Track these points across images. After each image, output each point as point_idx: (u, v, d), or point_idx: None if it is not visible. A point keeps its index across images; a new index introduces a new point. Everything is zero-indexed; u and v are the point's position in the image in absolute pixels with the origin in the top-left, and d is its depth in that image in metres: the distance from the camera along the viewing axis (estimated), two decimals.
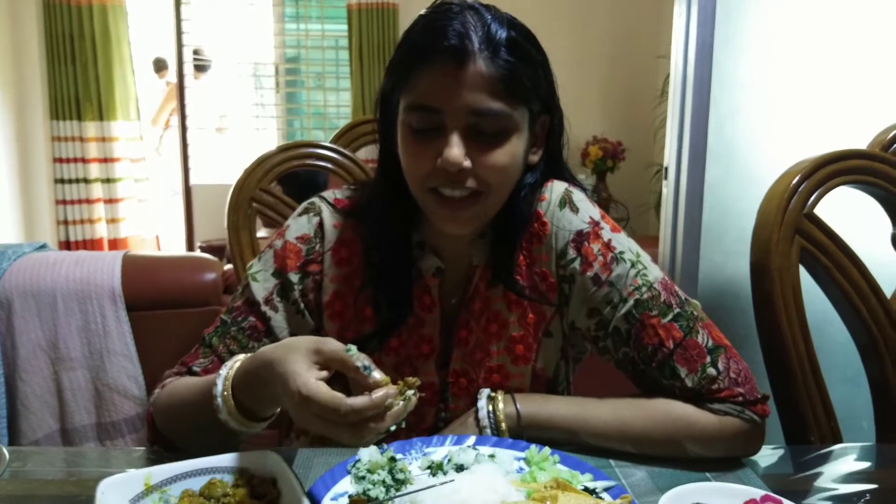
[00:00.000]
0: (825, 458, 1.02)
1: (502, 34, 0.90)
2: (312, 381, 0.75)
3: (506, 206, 0.98)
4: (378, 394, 0.74)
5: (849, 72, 1.85)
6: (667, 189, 2.03)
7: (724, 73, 1.86)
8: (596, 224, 1.01)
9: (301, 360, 0.77)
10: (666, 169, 2.04)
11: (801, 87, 1.87)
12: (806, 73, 1.87)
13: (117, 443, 1.99)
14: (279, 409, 0.88)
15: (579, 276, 0.99)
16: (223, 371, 0.86)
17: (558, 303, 1.02)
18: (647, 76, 4.61)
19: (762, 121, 1.89)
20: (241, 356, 0.87)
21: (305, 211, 1.05)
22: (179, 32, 4.59)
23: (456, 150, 0.89)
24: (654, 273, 0.99)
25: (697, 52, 1.84)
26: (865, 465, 1.03)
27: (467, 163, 0.90)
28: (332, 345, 0.78)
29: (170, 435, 0.96)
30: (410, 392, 0.77)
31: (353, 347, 0.78)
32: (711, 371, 0.93)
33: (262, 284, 1.01)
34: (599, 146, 4.47)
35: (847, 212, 1.24)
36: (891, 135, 1.19)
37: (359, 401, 0.73)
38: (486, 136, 0.90)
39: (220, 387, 0.84)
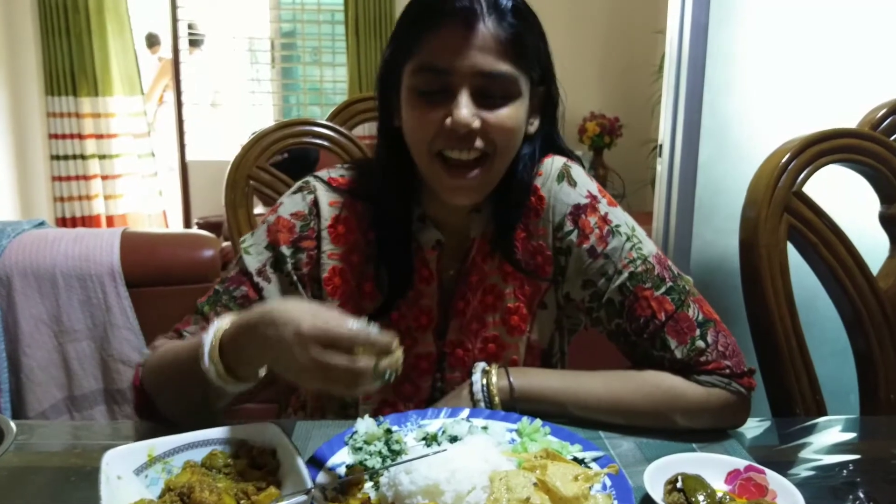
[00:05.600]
0: (810, 430, 1.05)
1: (508, 0, 0.91)
2: (314, 318, 0.73)
3: (503, 179, 1.00)
4: (357, 327, 0.72)
5: (841, 51, 1.85)
6: (661, 166, 2.04)
7: (719, 51, 1.86)
8: (593, 198, 1.03)
9: (306, 308, 0.76)
10: (660, 146, 2.05)
11: (794, 66, 1.87)
12: (799, 53, 1.87)
13: (125, 408, 2.01)
14: (261, 380, 0.86)
15: (576, 247, 1.01)
16: (215, 323, 0.85)
17: (553, 276, 1.04)
18: (644, 52, 4.58)
19: (755, 100, 1.90)
20: (233, 314, 0.86)
21: (300, 189, 1.07)
22: (174, 7, 4.55)
23: (465, 110, 0.90)
24: (649, 247, 1.01)
25: (692, 31, 1.84)
26: (849, 436, 1.06)
27: (476, 122, 0.91)
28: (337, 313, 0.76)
29: (155, 395, 0.96)
30: (397, 350, 0.74)
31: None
32: (700, 344, 0.96)
33: (254, 257, 1.03)
34: (597, 122, 4.45)
35: (836, 190, 1.25)
36: (880, 114, 1.20)
37: (364, 334, 0.72)
38: (492, 98, 0.92)
39: (209, 340, 0.83)
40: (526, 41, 0.93)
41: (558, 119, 1.06)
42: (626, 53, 4.73)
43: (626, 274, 0.99)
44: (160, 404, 0.96)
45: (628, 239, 1.00)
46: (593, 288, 1.02)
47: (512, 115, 0.93)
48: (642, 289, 0.98)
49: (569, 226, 1.02)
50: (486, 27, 0.90)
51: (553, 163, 1.04)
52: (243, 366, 0.83)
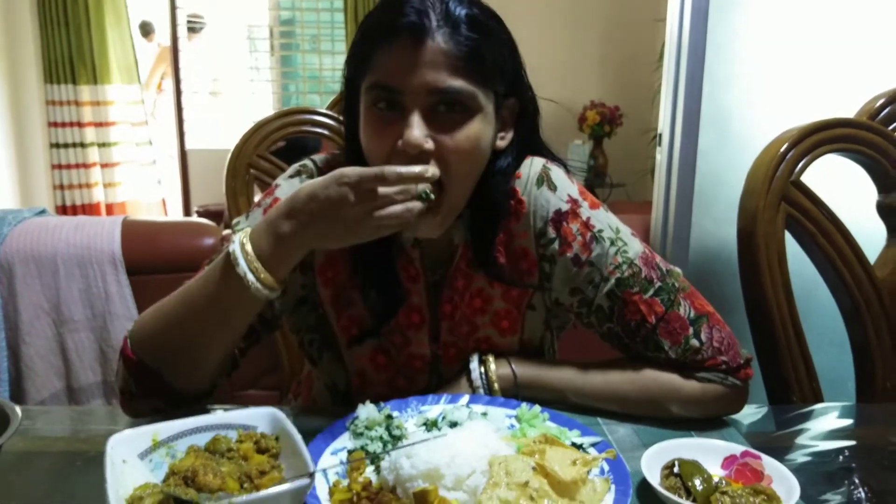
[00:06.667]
0: (806, 417, 1.06)
1: (462, 11, 0.87)
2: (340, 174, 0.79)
3: (481, 190, 0.97)
4: (414, 167, 0.79)
5: (840, 41, 1.85)
6: (661, 155, 2.04)
7: (719, 40, 1.86)
8: (574, 202, 1.00)
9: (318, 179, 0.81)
10: (660, 135, 2.05)
11: (793, 55, 1.88)
12: (799, 42, 1.87)
13: None
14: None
15: (559, 256, 0.99)
16: (234, 240, 0.85)
17: (539, 282, 1.03)
18: (645, 40, 4.57)
19: (755, 88, 1.90)
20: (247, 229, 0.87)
21: (297, 172, 1.04)
22: None
23: (416, 130, 0.85)
24: (635, 249, 0.99)
25: (693, 19, 1.84)
26: (845, 423, 1.07)
27: (429, 144, 0.87)
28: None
29: (155, 355, 0.91)
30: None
31: None
32: (694, 343, 0.96)
33: None
34: (597, 111, 4.44)
35: (834, 179, 1.26)
36: (878, 103, 1.21)
37: (402, 168, 0.79)
38: (447, 116, 0.87)
39: (236, 245, 0.84)
40: (483, 54, 0.87)
41: (539, 125, 1.03)
42: (626, 42, 4.71)
43: (612, 280, 0.97)
44: (163, 366, 0.91)
45: (612, 243, 0.98)
46: (581, 295, 1.00)
47: (469, 135, 0.88)
48: (630, 294, 0.97)
49: (551, 233, 0.99)
50: (438, 42, 0.85)
51: (532, 165, 1.01)
52: (283, 259, 0.84)
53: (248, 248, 0.84)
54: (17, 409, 0.76)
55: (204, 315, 0.89)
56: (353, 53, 0.93)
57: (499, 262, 1.01)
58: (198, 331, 0.90)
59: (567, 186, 1.01)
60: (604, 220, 1.00)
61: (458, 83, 0.86)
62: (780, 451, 0.89)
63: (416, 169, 0.80)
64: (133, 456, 0.74)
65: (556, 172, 1.02)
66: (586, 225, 0.99)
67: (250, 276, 0.83)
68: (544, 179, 1.00)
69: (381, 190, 0.78)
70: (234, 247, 0.84)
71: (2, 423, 0.74)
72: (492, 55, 0.89)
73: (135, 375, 0.92)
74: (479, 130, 0.90)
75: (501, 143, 0.98)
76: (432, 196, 0.81)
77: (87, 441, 0.91)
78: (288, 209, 0.83)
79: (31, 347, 1.97)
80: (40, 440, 0.92)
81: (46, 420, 0.99)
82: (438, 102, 0.87)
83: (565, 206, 0.99)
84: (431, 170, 0.81)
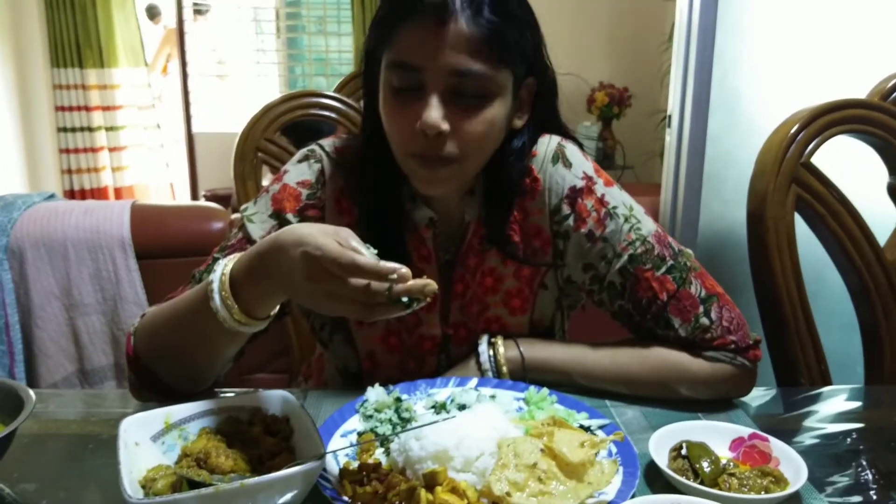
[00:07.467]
0: (814, 399, 1.06)
1: None
2: (322, 238, 0.73)
3: (495, 168, 0.97)
4: (388, 264, 0.72)
5: (852, 22, 1.83)
6: (670, 137, 2.03)
7: (729, 20, 1.84)
8: (589, 179, 1.00)
9: (315, 229, 0.75)
10: (669, 117, 2.04)
11: (804, 36, 1.85)
12: (810, 22, 1.85)
13: None
14: (275, 316, 0.86)
15: (573, 232, 1.00)
16: (217, 267, 0.82)
17: (552, 259, 1.03)
18: (654, 20, 4.52)
19: (765, 70, 1.88)
20: (237, 254, 0.84)
21: (306, 157, 1.04)
22: None
23: (434, 112, 0.86)
24: (648, 226, 1.00)
25: (703, 0, 1.82)
26: (853, 405, 1.07)
27: (445, 126, 0.87)
28: (348, 233, 0.75)
29: (152, 361, 0.92)
30: (426, 282, 0.74)
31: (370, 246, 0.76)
32: (704, 321, 0.96)
33: (258, 225, 1.00)
34: (606, 92, 4.41)
35: (845, 161, 1.25)
36: (890, 84, 1.19)
37: (365, 259, 0.71)
38: (466, 98, 0.88)
39: (217, 278, 0.81)
40: (505, 37, 0.87)
41: (557, 105, 1.03)
42: (635, 22, 4.66)
43: (625, 257, 0.98)
44: (159, 370, 0.92)
45: (626, 220, 0.99)
46: (594, 271, 1.01)
47: (487, 118, 0.89)
48: (642, 270, 0.97)
49: (565, 210, 1.00)
50: (461, 23, 0.85)
51: (548, 143, 1.02)
52: (258, 301, 0.81)
53: (226, 281, 0.80)
54: (31, 392, 0.77)
55: (190, 333, 0.88)
56: (375, 26, 0.93)
57: (513, 239, 1.01)
58: (185, 346, 0.90)
59: (582, 163, 1.01)
60: (618, 197, 1.01)
61: (478, 66, 0.86)
62: (787, 433, 0.89)
63: (420, 283, 0.74)
64: (145, 438, 0.74)
65: (572, 150, 1.02)
66: (601, 201, 0.99)
67: (223, 313, 0.80)
68: (559, 157, 1.01)
69: (341, 288, 0.73)
70: (215, 277, 0.81)
71: (16, 406, 0.75)
72: (513, 38, 0.89)
73: (135, 371, 0.94)
74: (495, 113, 0.90)
75: (518, 123, 0.98)
76: (416, 306, 0.75)
77: (100, 424, 0.92)
78: (266, 249, 0.78)
79: (43, 331, 1.99)
80: (53, 423, 0.93)
81: (59, 403, 1.00)
82: (458, 84, 0.87)
83: (580, 183, 1.00)
84: (431, 286, 0.75)
